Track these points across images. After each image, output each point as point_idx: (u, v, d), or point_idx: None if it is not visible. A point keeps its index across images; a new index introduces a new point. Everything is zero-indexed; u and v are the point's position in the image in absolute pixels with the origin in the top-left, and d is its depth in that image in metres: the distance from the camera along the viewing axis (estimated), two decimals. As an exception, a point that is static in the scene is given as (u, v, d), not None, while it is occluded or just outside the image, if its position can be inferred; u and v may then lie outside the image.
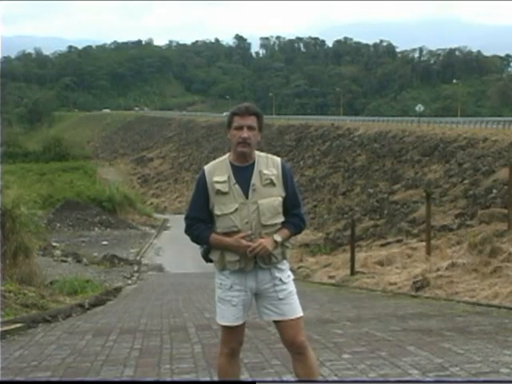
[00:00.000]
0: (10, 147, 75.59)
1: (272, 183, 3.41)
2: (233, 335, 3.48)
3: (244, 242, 3.33)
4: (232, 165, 3.43)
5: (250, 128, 3.39)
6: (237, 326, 3.47)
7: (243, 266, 3.39)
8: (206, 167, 3.50)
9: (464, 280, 11.29)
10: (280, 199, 3.43)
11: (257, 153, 3.48)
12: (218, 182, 3.39)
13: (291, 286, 3.50)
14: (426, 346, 5.68)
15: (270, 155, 3.53)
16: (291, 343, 3.47)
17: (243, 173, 3.41)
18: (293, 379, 4.30)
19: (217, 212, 3.40)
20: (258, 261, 3.38)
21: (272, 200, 3.39)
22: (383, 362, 5.00)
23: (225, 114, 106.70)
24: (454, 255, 13.85)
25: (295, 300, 3.49)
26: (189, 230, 3.50)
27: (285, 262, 3.51)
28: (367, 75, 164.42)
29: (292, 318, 3.44)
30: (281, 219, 3.43)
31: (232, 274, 3.43)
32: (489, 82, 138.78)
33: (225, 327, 3.48)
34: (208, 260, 3.53)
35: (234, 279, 3.44)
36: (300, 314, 3.48)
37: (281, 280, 3.45)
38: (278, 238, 3.38)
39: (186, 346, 6.32)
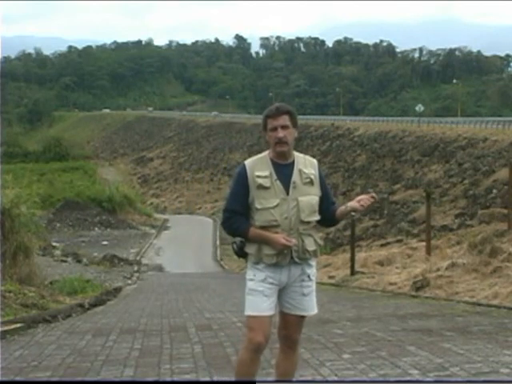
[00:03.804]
0: (10, 147, 75.58)
1: (311, 182, 3.53)
2: (260, 329, 3.42)
3: (283, 240, 3.38)
4: (273, 162, 3.52)
5: (284, 127, 3.48)
6: (266, 318, 3.44)
7: (280, 260, 3.45)
8: (247, 162, 3.57)
9: (464, 280, 11.27)
10: (317, 198, 3.55)
11: (295, 153, 3.59)
12: (259, 177, 3.47)
13: (314, 284, 3.61)
14: (426, 345, 5.67)
15: (307, 156, 3.65)
16: (288, 337, 3.58)
17: (284, 170, 3.50)
18: (294, 379, 4.30)
19: (257, 206, 3.46)
20: (293, 256, 3.46)
21: (311, 198, 3.51)
22: (383, 362, 5.00)
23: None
24: (454, 255, 13.83)
25: (314, 297, 3.61)
26: (227, 223, 3.54)
27: (314, 259, 3.60)
28: (367, 75, 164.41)
29: (309, 314, 3.58)
30: (317, 217, 3.54)
31: (266, 268, 3.47)
32: (489, 81, 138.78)
33: (253, 320, 3.44)
34: (241, 254, 3.54)
35: (268, 273, 3.47)
36: (315, 310, 3.62)
37: (309, 276, 3.56)
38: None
39: (185, 346, 6.31)
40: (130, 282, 19.86)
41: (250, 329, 3.48)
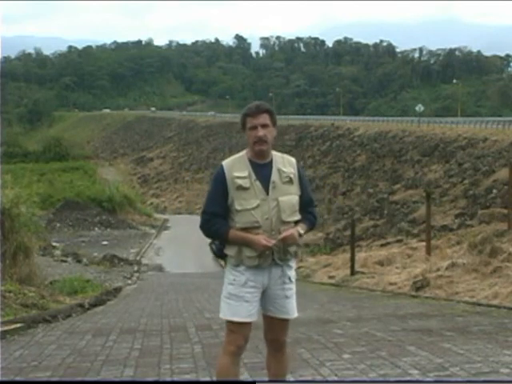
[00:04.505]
0: (10, 147, 75.47)
1: (291, 181, 3.48)
2: (241, 332, 3.41)
3: (264, 241, 3.34)
4: (251, 161, 3.46)
5: (264, 126, 3.43)
6: (247, 324, 3.42)
7: (261, 262, 3.40)
8: (225, 162, 3.51)
9: (464, 280, 11.28)
10: (297, 197, 3.49)
11: (273, 152, 3.53)
12: (239, 178, 3.41)
13: (295, 286, 3.56)
14: (426, 345, 5.67)
15: (285, 155, 3.60)
16: (275, 340, 3.54)
17: (262, 170, 3.45)
18: (292, 379, 4.30)
19: (237, 207, 3.40)
20: (274, 257, 3.41)
21: (291, 197, 3.46)
22: (383, 362, 5.00)
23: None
24: (454, 255, 13.84)
25: (295, 300, 3.54)
26: (206, 225, 3.47)
27: (294, 260, 3.55)
28: (367, 75, 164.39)
29: (292, 317, 3.51)
30: (298, 217, 3.49)
31: (247, 270, 3.42)
32: (489, 81, 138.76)
33: (233, 324, 3.41)
34: (220, 255, 3.50)
35: (248, 276, 3.42)
36: (296, 314, 3.55)
37: (289, 279, 3.51)
38: (301, 230, 3.46)
39: (185, 346, 6.31)
40: (129, 282, 19.84)
41: (230, 332, 3.44)
